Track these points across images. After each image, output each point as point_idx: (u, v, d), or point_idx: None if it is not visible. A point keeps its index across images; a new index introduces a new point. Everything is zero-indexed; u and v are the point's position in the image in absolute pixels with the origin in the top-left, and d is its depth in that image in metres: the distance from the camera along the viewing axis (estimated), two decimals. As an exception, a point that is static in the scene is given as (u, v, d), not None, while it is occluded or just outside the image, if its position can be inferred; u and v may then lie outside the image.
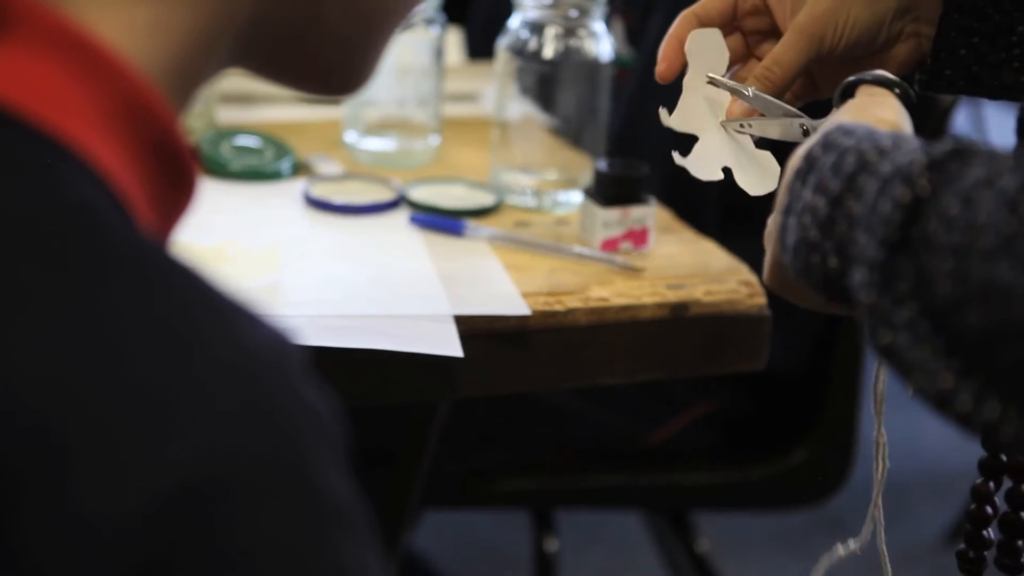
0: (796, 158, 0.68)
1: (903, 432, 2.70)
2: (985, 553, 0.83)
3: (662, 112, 0.88)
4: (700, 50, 0.87)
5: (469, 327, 1.03)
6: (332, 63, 0.61)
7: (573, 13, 1.28)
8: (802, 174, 0.66)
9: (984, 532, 0.83)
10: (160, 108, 0.51)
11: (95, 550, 0.42)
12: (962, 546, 0.84)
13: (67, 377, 0.43)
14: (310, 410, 0.46)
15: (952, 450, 2.58)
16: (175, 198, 0.53)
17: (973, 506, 0.83)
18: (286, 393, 0.46)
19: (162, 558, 0.42)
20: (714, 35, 0.87)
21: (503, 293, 1.09)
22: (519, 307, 1.06)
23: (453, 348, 0.99)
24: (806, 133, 0.82)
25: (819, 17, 0.82)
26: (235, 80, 1.49)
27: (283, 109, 1.50)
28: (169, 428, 0.43)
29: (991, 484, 0.83)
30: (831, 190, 0.64)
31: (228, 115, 1.46)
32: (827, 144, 0.66)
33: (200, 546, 0.42)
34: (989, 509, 0.83)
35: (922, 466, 2.59)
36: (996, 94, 0.84)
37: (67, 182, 0.47)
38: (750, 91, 0.83)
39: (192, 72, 0.54)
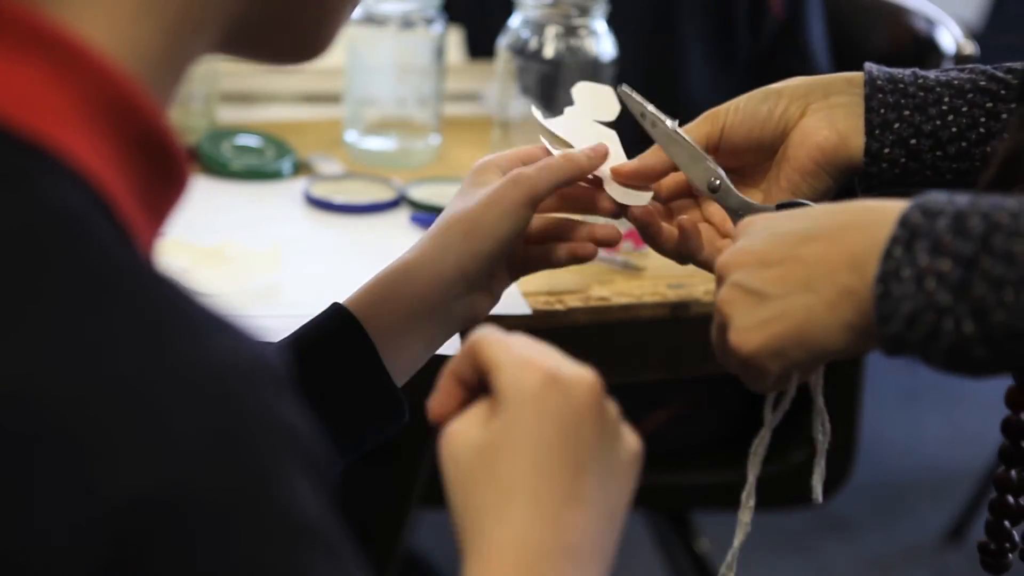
0: (883, 226, 0.65)
1: (903, 432, 2.69)
2: (1007, 547, 0.83)
3: (535, 110, 0.92)
4: (589, 96, 0.92)
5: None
6: (306, 35, 0.61)
7: (574, 12, 1.28)
8: (902, 241, 0.64)
9: (1006, 522, 0.82)
10: (143, 101, 0.50)
11: (45, 566, 0.42)
12: (983, 538, 0.83)
13: (30, 389, 0.43)
14: (279, 425, 0.46)
15: (952, 450, 2.57)
16: (165, 191, 0.52)
17: (995, 495, 0.83)
18: (254, 410, 0.45)
19: None
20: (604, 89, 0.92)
21: (503, 293, 1.08)
22: (520, 306, 1.06)
23: (453, 348, 0.98)
24: (712, 189, 0.85)
25: (720, 107, 0.88)
26: (235, 80, 1.49)
27: (283, 109, 1.50)
28: (127, 452, 0.43)
29: (1012, 473, 0.82)
30: (961, 252, 0.62)
31: (228, 115, 1.46)
32: (926, 211, 0.64)
33: (152, 570, 0.42)
34: (1011, 498, 0.82)
35: (922, 466, 2.59)
36: (936, 172, 0.86)
37: (46, 186, 0.47)
38: (672, 124, 0.86)
39: (180, 57, 0.54)
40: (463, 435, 0.61)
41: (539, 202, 0.87)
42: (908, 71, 0.87)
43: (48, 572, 0.42)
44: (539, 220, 0.89)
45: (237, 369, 0.46)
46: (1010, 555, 0.83)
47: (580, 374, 0.61)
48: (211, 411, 0.44)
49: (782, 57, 1.57)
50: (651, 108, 0.86)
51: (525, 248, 0.89)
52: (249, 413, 0.45)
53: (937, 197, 0.65)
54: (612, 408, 0.62)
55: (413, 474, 1.29)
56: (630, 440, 0.62)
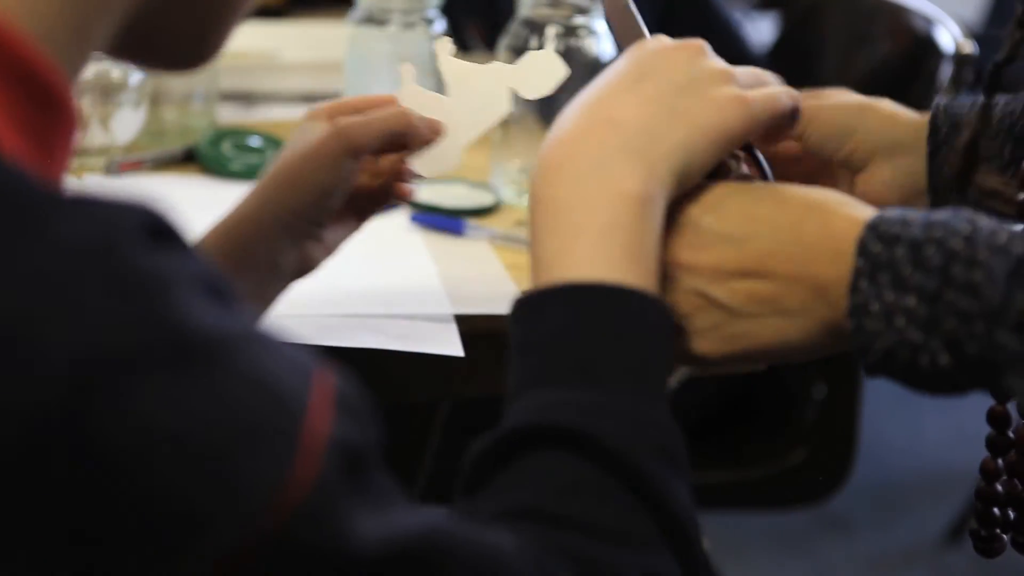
0: (842, 257, 0.65)
1: (903, 432, 2.69)
2: (999, 532, 0.83)
3: (440, 42, 0.93)
4: (533, 64, 0.91)
5: (469, 327, 1.03)
6: (203, 32, 0.61)
7: (574, 12, 1.28)
8: (866, 272, 0.63)
9: (995, 510, 0.83)
10: (8, 34, 0.51)
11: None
12: (974, 526, 0.84)
13: None
14: (165, 266, 0.47)
15: (952, 450, 2.57)
16: (49, 124, 0.53)
17: (982, 483, 0.83)
18: (138, 260, 0.47)
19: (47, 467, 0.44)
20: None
21: (503, 293, 1.08)
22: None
23: (453, 348, 0.98)
24: None
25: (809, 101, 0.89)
26: (235, 80, 1.49)
27: (283, 109, 1.50)
28: (38, 331, 0.44)
29: (999, 461, 0.83)
30: (924, 286, 0.62)
31: (228, 115, 1.46)
32: (882, 237, 0.64)
33: (96, 428, 0.44)
34: (999, 486, 0.83)
35: (922, 466, 2.59)
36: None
37: None
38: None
39: (85, 31, 0.54)
40: None
41: (363, 154, 0.86)
42: (971, 106, 0.87)
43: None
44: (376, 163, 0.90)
45: (114, 229, 0.47)
46: (1005, 536, 0.83)
47: (681, 40, 0.70)
48: (101, 272, 0.46)
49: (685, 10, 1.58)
50: None
51: (365, 193, 0.90)
52: (133, 264, 0.46)
53: (891, 218, 0.64)
54: (711, 62, 0.70)
55: (414, 474, 1.29)
56: (731, 84, 0.69)
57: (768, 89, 0.71)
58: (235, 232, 0.87)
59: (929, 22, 1.56)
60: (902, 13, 1.62)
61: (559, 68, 0.91)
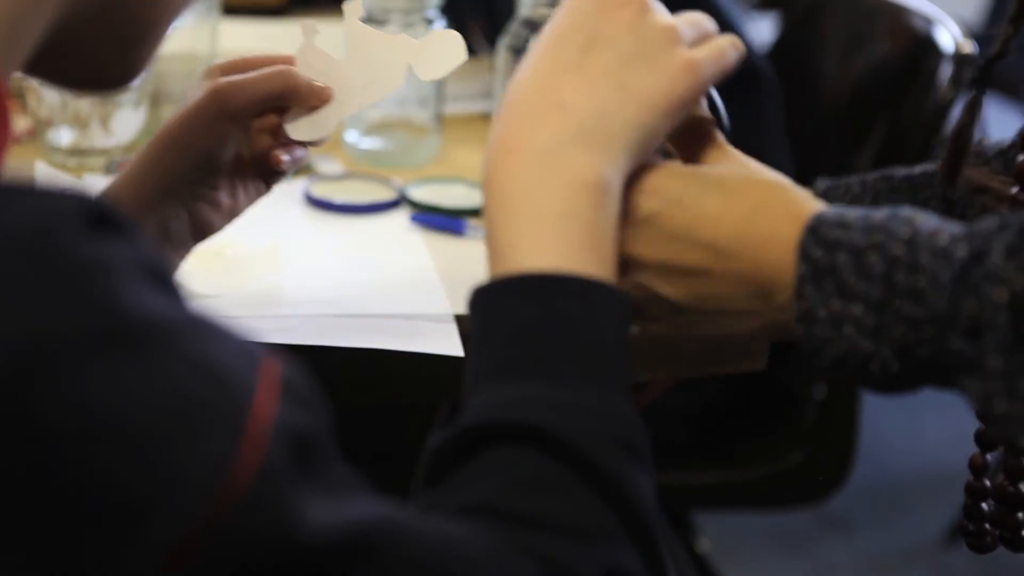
0: (786, 261, 0.64)
1: (903, 432, 2.69)
2: (992, 528, 0.83)
3: (349, 3, 0.90)
4: (437, 43, 0.89)
5: (469, 327, 1.03)
6: (116, 54, 0.61)
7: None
8: (810, 278, 0.63)
9: (983, 504, 0.83)
10: None
11: None
12: (963, 521, 0.84)
13: None
14: (103, 252, 0.47)
15: (952, 449, 2.57)
16: None
17: (971, 478, 0.83)
18: (76, 248, 0.46)
19: None
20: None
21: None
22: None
23: (453, 348, 0.98)
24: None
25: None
26: (235, 80, 1.48)
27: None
28: None
29: (987, 456, 0.83)
30: (869, 295, 0.61)
31: (228, 115, 1.46)
32: (822, 242, 0.63)
33: (34, 413, 0.44)
34: (987, 482, 0.83)
35: (922, 466, 2.59)
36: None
37: None
38: None
39: (18, 29, 0.55)
40: None
41: (242, 116, 0.84)
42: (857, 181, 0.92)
43: None
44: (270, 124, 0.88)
45: (51, 216, 0.46)
46: (998, 531, 0.83)
47: None
48: (38, 258, 0.45)
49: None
50: None
51: (267, 156, 0.88)
52: (71, 250, 0.46)
53: (830, 220, 0.64)
54: (656, 19, 0.68)
55: (413, 474, 1.29)
56: (679, 46, 0.67)
57: (714, 44, 0.69)
58: (120, 199, 0.85)
59: (929, 22, 1.56)
60: (902, 13, 1.62)
61: (459, 52, 0.89)
